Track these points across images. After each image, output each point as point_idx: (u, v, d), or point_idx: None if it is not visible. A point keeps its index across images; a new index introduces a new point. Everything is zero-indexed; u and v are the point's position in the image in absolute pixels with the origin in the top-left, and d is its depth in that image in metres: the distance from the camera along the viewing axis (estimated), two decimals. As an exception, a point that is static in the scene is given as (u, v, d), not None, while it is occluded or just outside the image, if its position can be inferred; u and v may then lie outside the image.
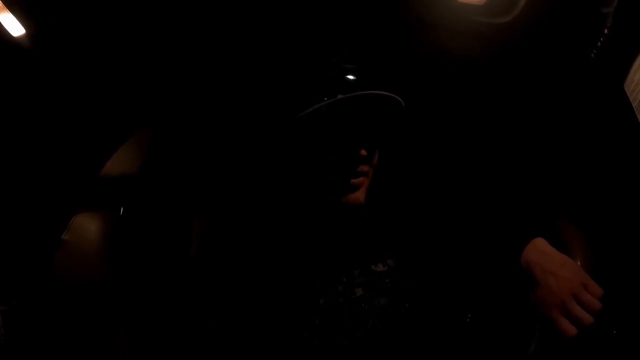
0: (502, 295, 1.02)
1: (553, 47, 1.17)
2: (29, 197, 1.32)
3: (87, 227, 1.17)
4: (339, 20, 1.20)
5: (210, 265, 1.03)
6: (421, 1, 1.13)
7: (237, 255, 1.00)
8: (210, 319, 0.99)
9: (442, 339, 1.03)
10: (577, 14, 1.08)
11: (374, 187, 1.04)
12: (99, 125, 1.30)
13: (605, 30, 1.05)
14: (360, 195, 1.01)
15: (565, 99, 1.26)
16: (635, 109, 1.04)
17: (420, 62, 1.32)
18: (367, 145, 0.99)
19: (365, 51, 1.13)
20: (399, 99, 0.97)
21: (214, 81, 1.33)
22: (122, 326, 1.09)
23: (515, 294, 0.91)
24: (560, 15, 1.09)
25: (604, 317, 0.81)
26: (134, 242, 1.22)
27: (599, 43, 1.05)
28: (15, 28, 1.11)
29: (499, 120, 1.40)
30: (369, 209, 1.04)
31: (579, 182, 1.29)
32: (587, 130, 1.26)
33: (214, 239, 1.08)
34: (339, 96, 0.95)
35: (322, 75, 0.99)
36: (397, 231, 1.06)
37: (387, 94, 0.96)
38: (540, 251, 0.88)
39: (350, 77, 0.99)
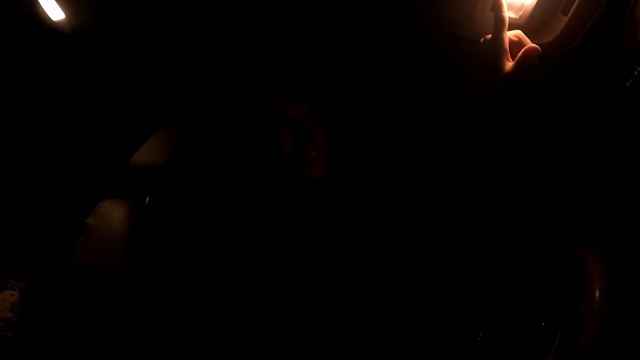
0: (506, 290, 1.03)
1: (588, 72, 1.17)
2: (58, 179, 1.34)
3: (113, 213, 1.19)
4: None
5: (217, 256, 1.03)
6: (459, 15, 1.13)
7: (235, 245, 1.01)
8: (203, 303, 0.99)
9: (445, 330, 1.03)
10: (617, 41, 1.08)
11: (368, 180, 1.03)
12: (132, 115, 1.31)
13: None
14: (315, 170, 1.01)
15: (597, 129, 1.26)
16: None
17: (446, 72, 1.31)
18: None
19: (385, 55, 1.12)
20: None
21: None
22: (122, 317, 1.11)
23: (520, 289, 0.90)
24: (598, 42, 1.09)
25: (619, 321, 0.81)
26: (157, 232, 1.23)
27: (636, 72, 1.05)
28: (55, 12, 1.10)
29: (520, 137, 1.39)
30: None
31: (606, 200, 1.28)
32: (621, 163, 1.24)
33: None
34: None
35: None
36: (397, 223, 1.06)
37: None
38: None
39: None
